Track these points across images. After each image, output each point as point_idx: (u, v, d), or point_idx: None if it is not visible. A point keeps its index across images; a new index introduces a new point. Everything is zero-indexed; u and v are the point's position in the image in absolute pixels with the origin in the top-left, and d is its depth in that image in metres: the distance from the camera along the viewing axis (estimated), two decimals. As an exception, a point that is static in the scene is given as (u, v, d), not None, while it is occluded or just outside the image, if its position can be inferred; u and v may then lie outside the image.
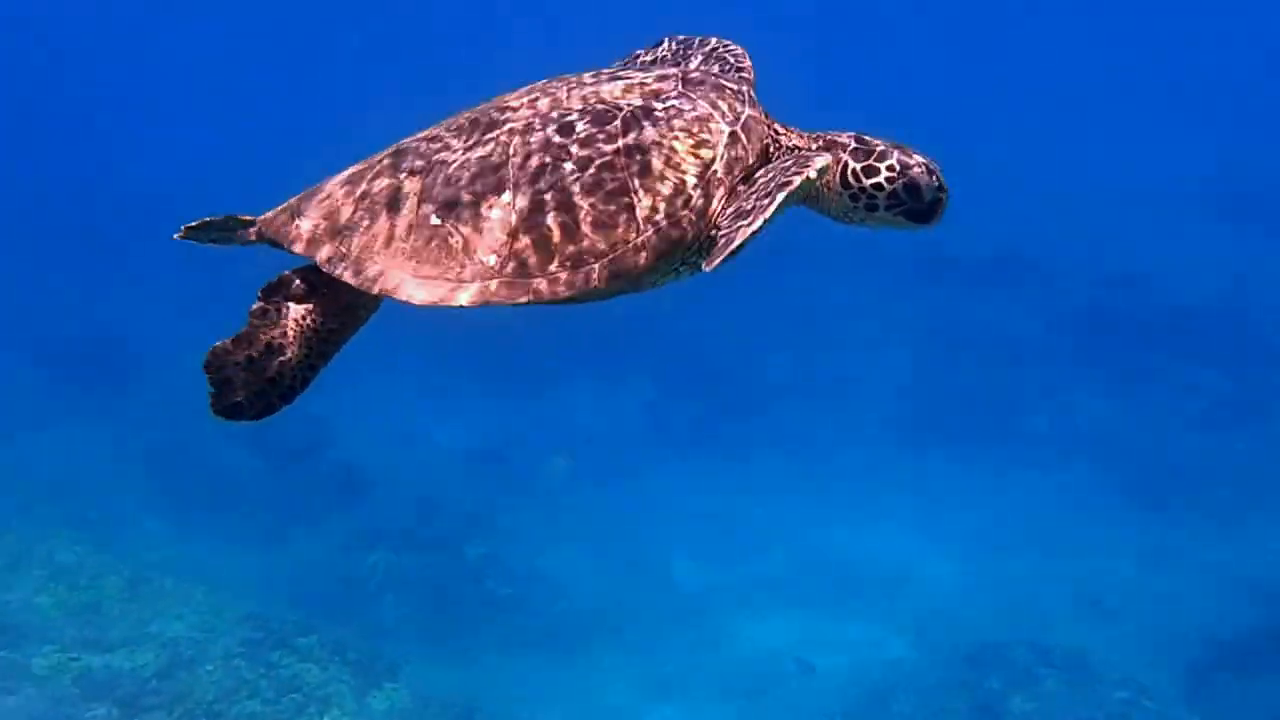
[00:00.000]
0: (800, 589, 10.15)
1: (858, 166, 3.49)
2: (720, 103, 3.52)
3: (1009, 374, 13.20)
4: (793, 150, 3.60)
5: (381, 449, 11.74)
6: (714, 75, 3.65)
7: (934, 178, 3.41)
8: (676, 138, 3.42)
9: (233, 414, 3.11)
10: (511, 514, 10.85)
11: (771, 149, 3.59)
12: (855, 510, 11.18)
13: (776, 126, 3.55)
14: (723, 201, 3.39)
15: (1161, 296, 14.33)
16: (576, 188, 3.24)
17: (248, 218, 3.41)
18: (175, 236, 3.48)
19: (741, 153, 3.45)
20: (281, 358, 3.23)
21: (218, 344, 3.14)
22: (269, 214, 3.36)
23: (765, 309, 14.17)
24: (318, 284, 3.25)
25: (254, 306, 3.22)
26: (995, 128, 21.42)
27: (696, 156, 3.39)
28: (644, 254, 3.25)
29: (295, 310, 3.27)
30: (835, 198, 3.49)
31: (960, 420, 12.51)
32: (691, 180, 3.37)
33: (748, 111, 3.52)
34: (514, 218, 3.17)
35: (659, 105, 3.49)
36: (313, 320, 3.28)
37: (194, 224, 3.47)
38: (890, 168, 3.43)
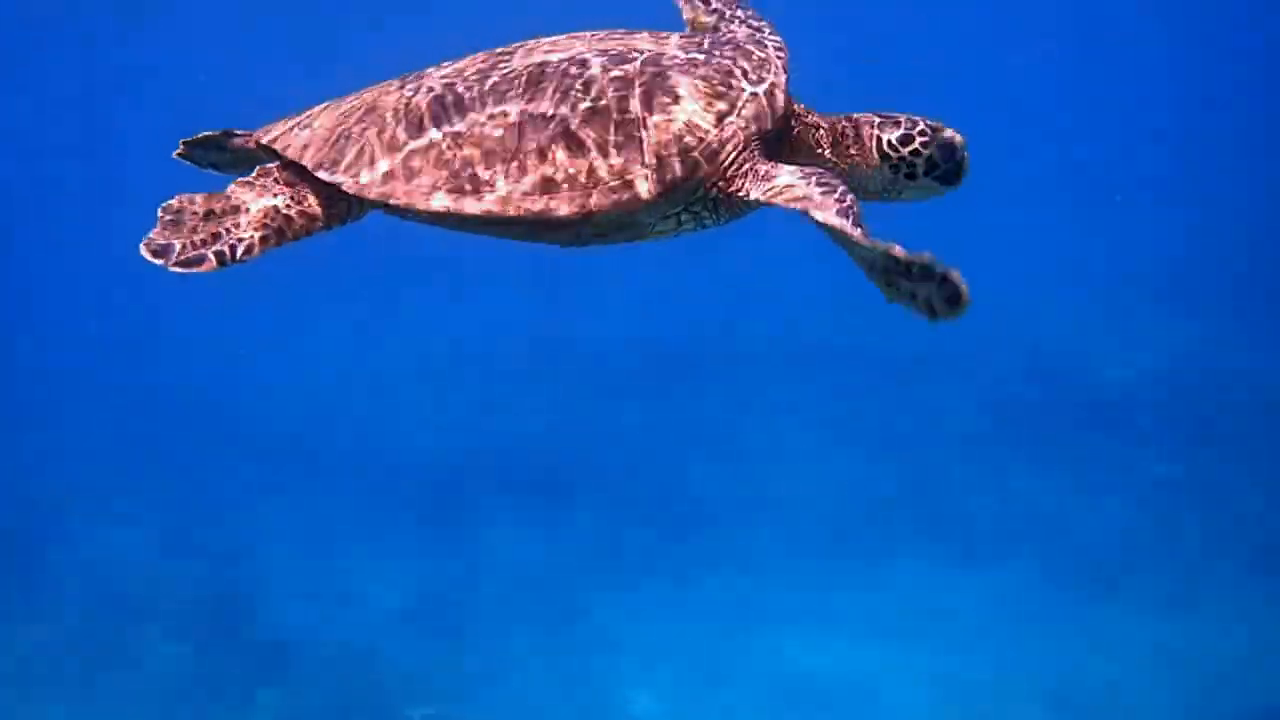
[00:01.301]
0: (769, 715, 9.75)
1: (892, 137, 3.55)
2: (745, 63, 3.46)
3: (951, 469, 13.05)
4: (815, 129, 3.61)
5: (309, 612, 10.97)
6: (746, 40, 3.61)
7: (958, 136, 3.53)
8: (695, 83, 3.34)
9: (160, 253, 2.99)
10: (454, 672, 10.22)
11: (794, 125, 3.58)
12: (813, 626, 10.76)
13: (798, 106, 3.58)
14: (736, 156, 3.33)
15: (1099, 379, 14.52)
16: (588, 113, 3.22)
17: (244, 131, 3.53)
18: (175, 154, 3.63)
19: (760, 113, 3.37)
20: (240, 219, 3.15)
21: (187, 195, 3.17)
22: (267, 125, 3.45)
23: (695, 422, 14.06)
24: (306, 187, 3.28)
25: (240, 179, 3.27)
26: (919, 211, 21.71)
27: (712, 104, 3.31)
28: (648, 184, 3.19)
29: (273, 188, 3.26)
30: (874, 173, 3.55)
31: (905, 520, 12.25)
32: (704, 124, 3.28)
33: (772, 78, 3.46)
34: (524, 136, 3.19)
35: (681, 54, 3.45)
36: (287, 199, 3.25)
37: (192, 138, 3.60)
38: (922, 132, 3.51)
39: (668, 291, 18.64)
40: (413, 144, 3.21)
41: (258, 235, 3.13)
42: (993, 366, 14.89)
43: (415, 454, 13.37)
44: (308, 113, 3.46)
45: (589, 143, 3.18)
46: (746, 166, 3.35)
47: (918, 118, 3.56)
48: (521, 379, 15.79)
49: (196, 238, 3.03)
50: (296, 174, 3.29)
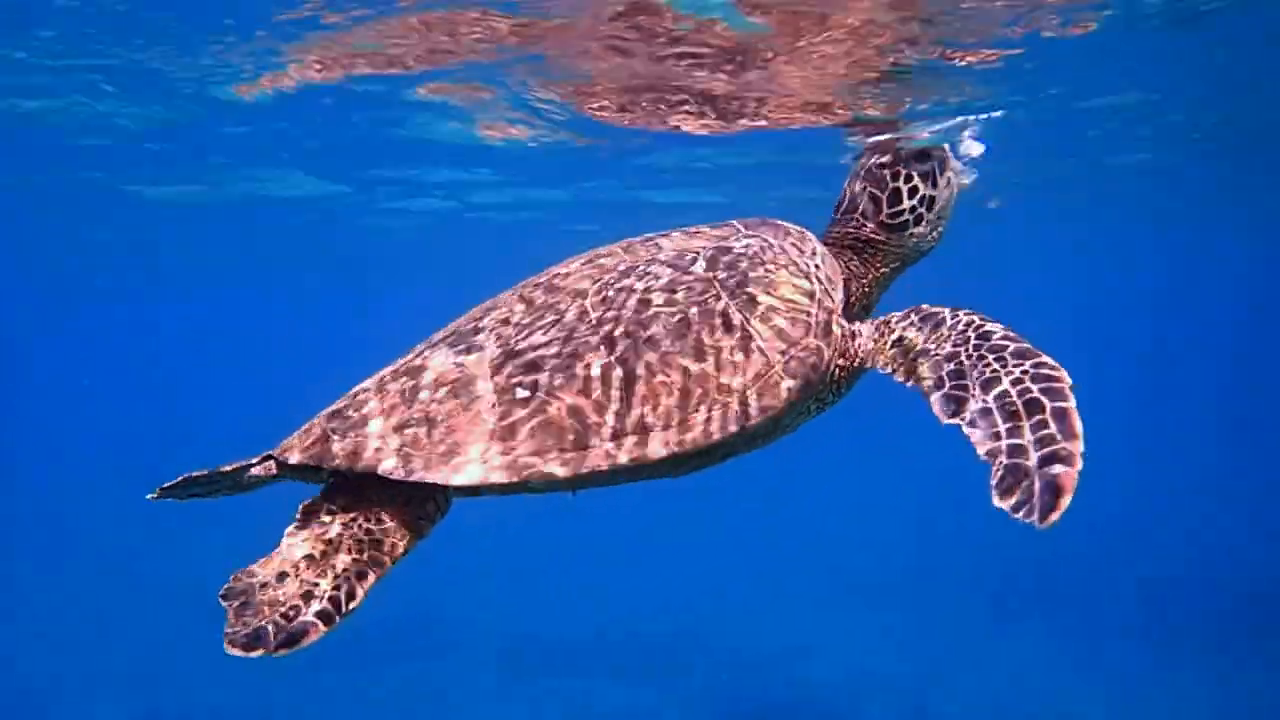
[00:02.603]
0: None
1: (889, 210, 3.50)
2: (788, 236, 3.32)
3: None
4: (852, 243, 3.55)
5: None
6: (766, 220, 3.46)
7: (906, 150, 3.55)
8: (768, 268, 3.10)
9: (252, 643, 2.42)
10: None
11: (850, 271, 3.52)
12: None
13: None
14: (841, 329, 3.11)
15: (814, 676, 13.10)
16: (680, 329, 2.85)
17: (246, 461, 2.95)
18: (150, 497, 3.02)
19: (831, 274, 3.24)
20: (323, 567, 2.60)
21: (242, 569, 2.64)
22: (289, 443, 2.89)
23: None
24: (365, 495, 2.79)
25: (290, 527, 2.74)
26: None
27: (795, 284, 3.07)
28: (787, 383, 2.85)
29: (341, 520, 2.74)
30: (909, 240, 3.51)
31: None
32: (805, 306, 3.03)
33: (814, 241, 3.37)
34: (623, 371, 2.76)
35: (736, 244, 3.21)
36: (364, 526, 2.72)
37: (171, 484, 3.00)
38: (894, 175, 3.51)
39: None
40: (513, 414, 2.72)
41: (355, 574, 2.59)
42: (703, 662, 13.16)
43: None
44: (330, 413, 2.92)
45: (707, 362, 2.79)
46: (849, 330, 3.15)
47: (881, 176, 3.50)
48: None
49: (281, 609, 2.48)
50: (354, 490, 2.80)
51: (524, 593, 16.32)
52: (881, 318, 3.19)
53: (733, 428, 2.74)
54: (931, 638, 14.01)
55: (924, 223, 3.50)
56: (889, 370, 2.96)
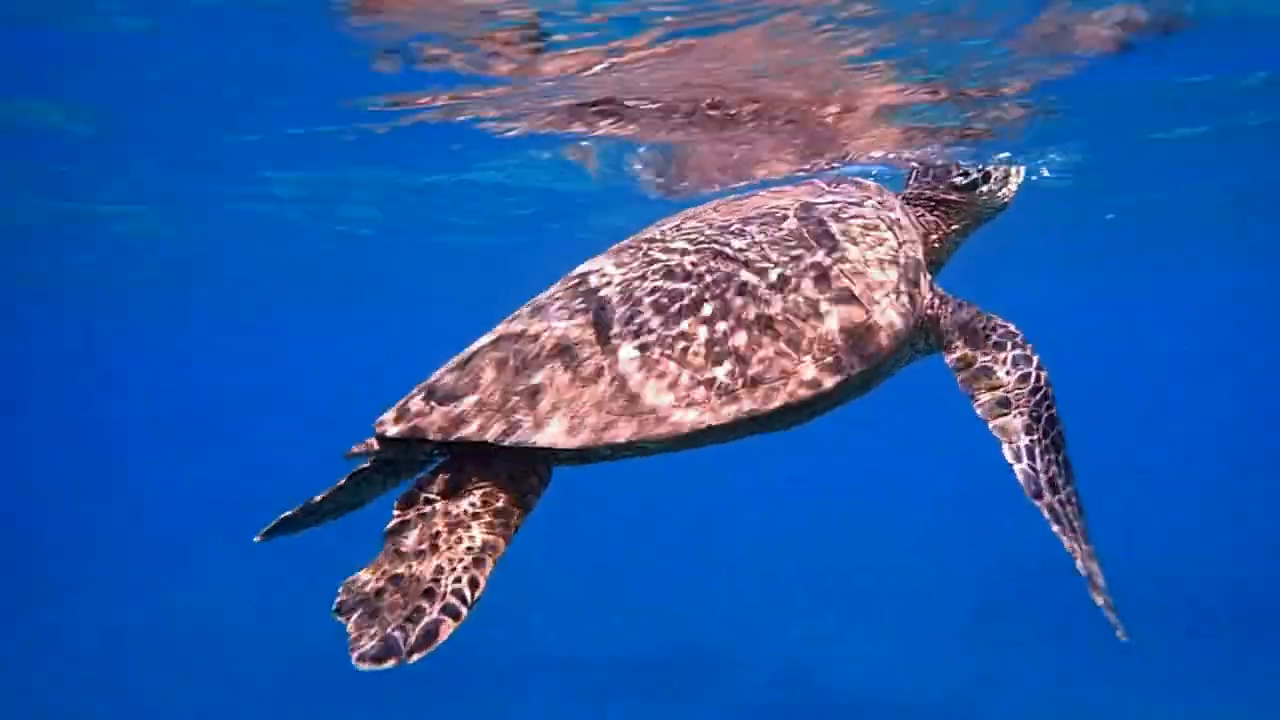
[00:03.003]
0: None
1: (959, 171, 3.87)
2: (869, 193, 3.56)
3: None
4: (926, 202, 3.83)
5: None
6: (845, 178, 3.71)
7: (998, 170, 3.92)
8: (855, 222, 3.28)
9: (384, 655, 2.24)
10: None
11: (926, 227, 3.78)
12: None
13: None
14: (928, 280, 3.33)
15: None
16: (780, 284, 2.95)
17: (338, 483, 2.91)
18: (256, 539, 2.93)
19: (912, 228, 3.53)
20: (437, 560, 2.45)
21: (349, 578, 2.49)
22: (384, 417, 2.75)
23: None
24: (467, 474, 2.64)
25: (390, 524, 2.57)
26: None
27: (881, 238, 3.24)
28: (883, 333, 2.97)
29: (443, 507, 2.58)
30: (979, 198, 3.84)
31: None
32: (893, 256, 3.21)
33: (893, 197, 3.66)
34: (727, 327, 2.78)
35: (821, 201, 3.39)
36: (471, 507, 2.58)
37: (270, 527, 2.93)
38: (964, 172, 3.86)
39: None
40: (621, 375, 2.66)
41: (471, 561, 2.46)
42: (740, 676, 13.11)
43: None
44: (424, 390, 2.80)
45: (808, 314, 2.86)
46: (932, 281, 3.37)
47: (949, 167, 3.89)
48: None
49: (405, 613, 2.32)
50: (455, 471, 2.67)
51: (534, 611, 16.39)
52: (965, 304, 3.33)
53: (839, 376, 2.79)
54: (953, 651, 14.08)
55: (992, 180, 3.83)
56: (954, 364, 3.17)
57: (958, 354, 3.14)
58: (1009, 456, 2.90)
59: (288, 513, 2.93)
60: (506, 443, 2.57)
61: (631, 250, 3.10)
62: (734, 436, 2.84)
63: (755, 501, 24.88)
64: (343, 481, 2.95)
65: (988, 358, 3.09)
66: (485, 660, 13.61)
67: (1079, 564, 2.86)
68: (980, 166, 3.84)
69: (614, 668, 13.68)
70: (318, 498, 2.95)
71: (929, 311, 3.23)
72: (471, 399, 2.66)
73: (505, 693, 13.03)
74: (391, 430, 2.69)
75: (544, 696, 12.95)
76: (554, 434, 2.57)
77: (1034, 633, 14.50)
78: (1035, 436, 2.90)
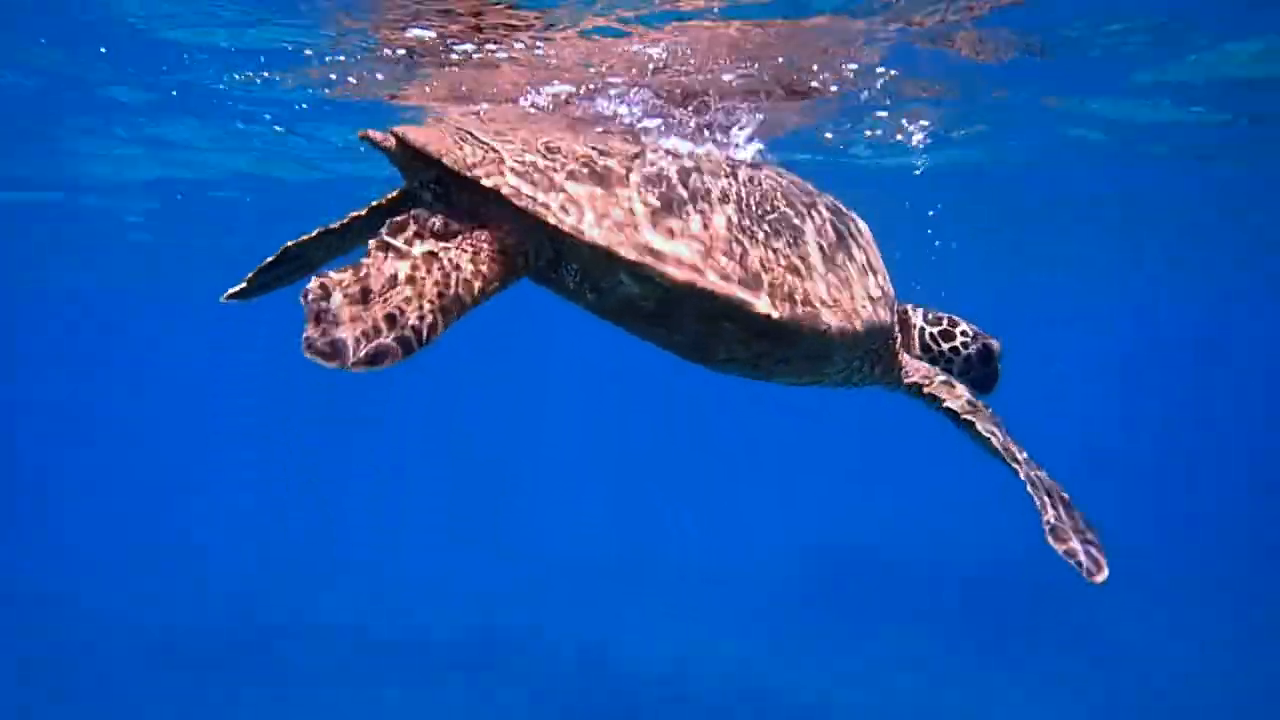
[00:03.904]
0: None
1: (935, 331, 3.62)
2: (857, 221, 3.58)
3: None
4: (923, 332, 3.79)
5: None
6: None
7: (996, 343, 3.61)
8: (865, 235, 3.43)
9: (332, 353, 2.27)
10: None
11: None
12: None
13: None
14: (892, 312, 3.32)
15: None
16: (799, 228, 3.05)
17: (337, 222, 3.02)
18: (222, 299, 3.16)
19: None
20: (410, 290, 2.39)
21: (326, 273, 2.40)
22: (413, 129, 2.74)
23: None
24: (459, 224, 2.56)
25: (374, 240, 2.51)
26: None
27: (876, 259, 3.39)
28: (856, 321, 3.06)
29: (431, 245, 2.52)
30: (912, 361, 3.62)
31: None
32: (885, 278, 3.35)
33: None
34: (739, 228, 2.84)
35: (821, 196, 3.45)
36: (459, 255, 2.52)
37: (255, 273, 3.16)
38: (964, 333, 3.61)
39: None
40: (645, 203, 2.72)
41: (439, 306, 2.40)
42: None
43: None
44: (478, 135, 2.77)
45: (814, 270, 2.97)
46: (897, 333, 3.48)
47: (959, 319, 3.62)
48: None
49: (366, 326, 2.30)
50: (452, 215, 2.60)
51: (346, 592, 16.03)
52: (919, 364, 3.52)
53: (804, 322, 2.88)
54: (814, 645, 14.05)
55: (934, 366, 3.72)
56: (917, 387, 3.39)
57: (914, 383, 3.65)
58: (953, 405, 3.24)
59: (268, 259, 3.06)
60: (522, 203, 2.58)
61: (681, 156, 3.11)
62: (708, 329, 2.89)
63: (563, 485, 24.78)
64: (335, 225, 3.03)
65: (932, 388, 3.55)
66: (308, 644, 13.48)
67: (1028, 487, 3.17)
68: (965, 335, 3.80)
69: (424, 650, 13.53)
70: (291, 242, 3.04)
71: (893, 335, 3.48)
72: (504, 152, 2.69)
73: (320, 673, 12.80)
74: (416, 139, 2.70)
75: (349, 677, 12.78)
76: (577, 223, 2.58)
77: (831, 616, 14.80)
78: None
